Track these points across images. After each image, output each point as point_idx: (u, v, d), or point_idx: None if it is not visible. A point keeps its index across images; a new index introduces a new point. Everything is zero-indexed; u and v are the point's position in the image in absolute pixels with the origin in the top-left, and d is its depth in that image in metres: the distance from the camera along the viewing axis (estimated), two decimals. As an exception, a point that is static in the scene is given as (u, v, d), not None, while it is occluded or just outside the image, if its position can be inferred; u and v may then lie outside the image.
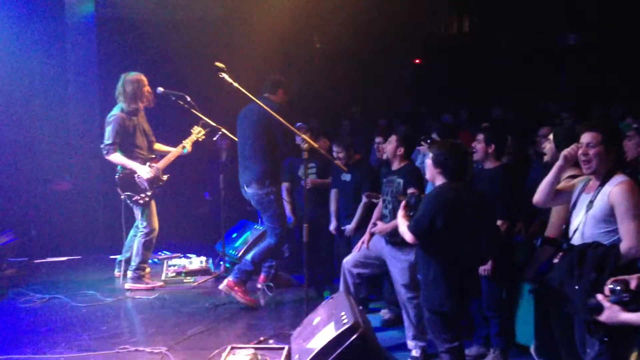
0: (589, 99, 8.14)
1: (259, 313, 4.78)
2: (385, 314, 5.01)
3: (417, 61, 11.71)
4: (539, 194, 3.21)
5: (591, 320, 2.67)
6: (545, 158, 4.03)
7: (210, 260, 6.03)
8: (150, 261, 5.62)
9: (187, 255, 6.19)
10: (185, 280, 5.62)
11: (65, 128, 7.05)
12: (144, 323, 4.58)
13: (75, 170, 7.00)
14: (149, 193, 5.29)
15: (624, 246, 2.81)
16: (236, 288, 4.84)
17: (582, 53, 10.28)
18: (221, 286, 4.88)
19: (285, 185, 5.86)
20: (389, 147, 4.46)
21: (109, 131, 5.18)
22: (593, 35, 9.86)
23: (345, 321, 3.20)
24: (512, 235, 4.15)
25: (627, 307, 2.27)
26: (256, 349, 3.64)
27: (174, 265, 5.87)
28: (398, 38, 10.15)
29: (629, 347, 2.79)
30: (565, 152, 3.10)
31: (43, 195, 6.82)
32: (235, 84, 4.55)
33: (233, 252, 5.96)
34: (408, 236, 3.46)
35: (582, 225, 2.97)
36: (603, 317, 2.31)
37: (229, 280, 4.87)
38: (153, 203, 5.37)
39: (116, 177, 5.29)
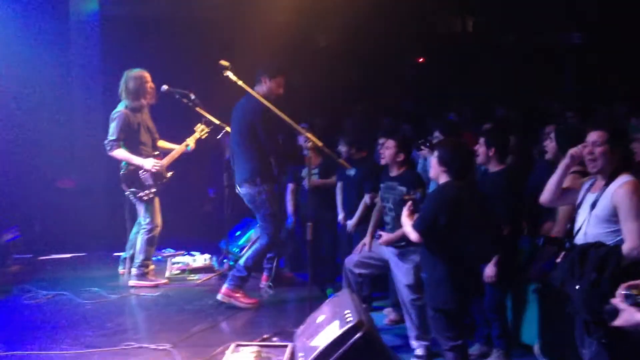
0: (591, 98, 8.14)
1: (262, 311, 4.79)
2: (389, 312, 5.03)
3: (421, 60, 11.71)
4: (546, 193, 3.22)
5: (591, 321, 2.68)
6: (547, 156, 4.03)
7: (214, 258, 6.04)
8: (154, 258, 5.64)
9: (191, 252, 6.21)
10: (188, 278, 5.64)
11: (69, 125, 7.07)
12: (148, 320, 4.60)
13: (80, 167, 7.03)
14: (153, 189, 5.31)
15: (626, 247, 2.80)
16: (235, 295, 4.75)
17: (585, 52, 10.27)
18: (219, 297, 4.76)
19: (290, 185, 5.88)
20: (387, 152, 4.38)
21: (113, 127, 5.19)
22: (595, 34, 9.85)
23: (349, 319, 3.21)
24: (517, 237, 4.15)
25: None
26: (260, 346, 3.66)
27: (178, 263, 5.89)
28: (401, 37, 10.15)
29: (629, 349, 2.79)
30: (572, 151, 3.10)
31: (47, 192, 6.85)
32: (240, 82, 4.57)
33: (237, 250, 5.97)
34: (413, 235, 3.49)
35: (586, 224, 2.98)
36: (620, 321, 2.30)
37: (225, 289, 4.76)
38: (157, 200, 5.39)
39: (121, 173, 5.30)
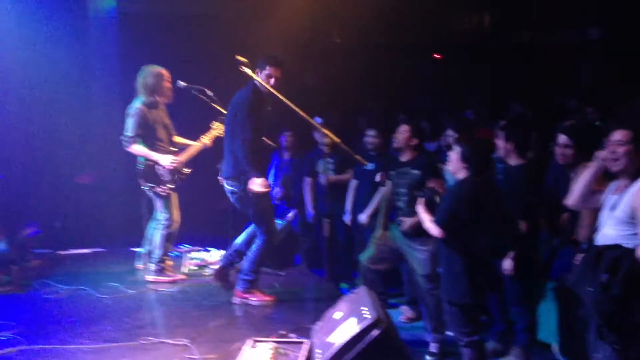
0: (610, 95, 8.03)
1: (278, 307, 4.80)
2: (405, 310, 5.02)
3: (437, 56, 11.64)
4: (573, 197, 3.19)
5: (602, 324, 2.66)
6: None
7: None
8: (170, 254, 5.68)
9: (207, 248, 6.25)
10: (205, 273, 5.68)
11: (87, 121, 7.13)
12: (166, 315, 4.64)
13: (98, 163, 7.09)
14: (170, 185, 5.34)
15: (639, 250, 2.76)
16: (248, 295, 4.74)
17: (603, 48, 10.14)
18: (234, 300, 4.77)
19: (307, 180, 5.88)
20: (400, 136, 4.40)
21: (130, 123, 5.22)
22: (614, 30, 9.71)
23: (367, 316, 3.21)
24: (535, 233, 4.13)
25: None
26: (277, 342, 3.68)
27: (195, 259, 5.93)
28: (417, 33, 10.09)
29: None
30: (601, 154, 3.05)
31: (66, 188, 6.92)
32: (257, 78, 4.59)
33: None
34: (436, 231, 3.52)
35: (606, 226, 2.95)
36: None
37: (237, 291, 4.77)
38: (175, 195, 5.43)
39: (138, 168, 5.34)
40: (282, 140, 6.51)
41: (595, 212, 3.20)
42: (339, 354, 3.14)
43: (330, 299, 4.23)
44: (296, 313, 4.67)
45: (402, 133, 4.40)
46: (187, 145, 5.51)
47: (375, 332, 3.11)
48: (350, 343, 3.14)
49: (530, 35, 10.89)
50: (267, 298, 4.82)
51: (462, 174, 3.62)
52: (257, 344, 3.65)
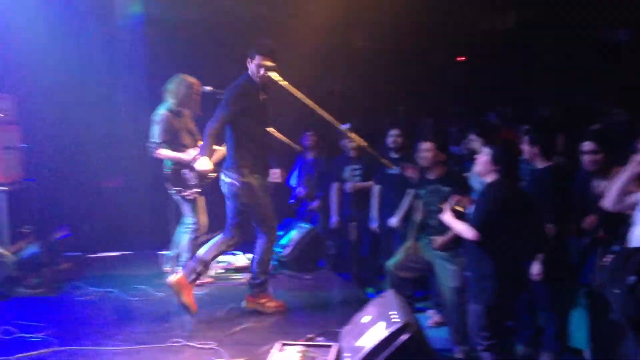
0: (637, 96, 7.89)
1: (305, 311, 4.83)
2: (433, 314, 5.00)
3: (462, 59, 11.57)
4: (608, 199, 3.15)
5: (631, 328, 2.61)
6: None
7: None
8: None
9: (233, 252, 6.29)
10: (232, 277, 5.72)
11: (115, 126, 7.25)
12: (194, 318, 4.68)
13: (125, 167, 7.20)
14: (197, 189, 5.39)
15: None
16: (259, 300, 4.69)
17: (632, 49, 9.97)
18: (243, 304, 4.72)
19: (334, 185, 5.90)
20: (425, 155, 4.36)
21: (156, 130, 5.27)
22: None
23: (396, 320, 3.21)
24: (564, 236, 4.08)
25: None
26: (305, 345, 3.69)
27: (221, 262, 5.98)
28: (441, 35, 10.04)
29: None
30: (638, 157, 3.01)
31: (95, 192, 7.06)
32: (284, 82, 4.60)
33: (279, 250, 6.03)
34: (471, 234, 3.50)
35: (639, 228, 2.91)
36: None
37: (248, 297, 4.72)
38: (202, 199, 5.48)
39: (166, 172, 5.39)
40: (304, 140, 6.54)
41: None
42: (368, 357, 3.15)
43: (357, 303, 4.23)
44: (322, 317, 4.67)
45: (428, 152, 4.36)
46: (214, 150, 5.54)
47: (404, 337, 3.11)
48: (379, 347, 3.14)
49: (555, 36, 10.76)
50: (277, 304, 4.74)
51: (491, 177, 3.61)
52: (285, 347, 3.67)
